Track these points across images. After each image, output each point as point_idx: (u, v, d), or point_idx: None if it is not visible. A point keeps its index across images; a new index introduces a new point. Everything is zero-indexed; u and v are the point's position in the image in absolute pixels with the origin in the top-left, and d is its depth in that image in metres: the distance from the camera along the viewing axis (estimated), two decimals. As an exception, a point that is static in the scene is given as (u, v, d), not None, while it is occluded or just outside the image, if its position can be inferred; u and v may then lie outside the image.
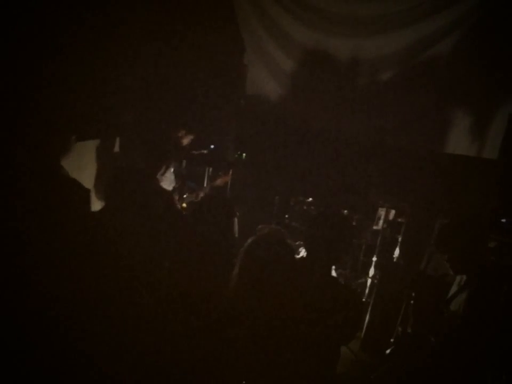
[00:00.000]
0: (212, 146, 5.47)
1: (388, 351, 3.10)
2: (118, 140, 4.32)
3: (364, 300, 4.74)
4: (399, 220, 4.86)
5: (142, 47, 4.84)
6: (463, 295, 2.89)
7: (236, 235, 5.41)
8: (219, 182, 5.12)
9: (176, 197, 4.42)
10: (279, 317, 2.39)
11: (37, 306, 2.27)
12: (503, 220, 4.36)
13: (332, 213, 2.79)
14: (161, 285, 2.49)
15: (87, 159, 3.68)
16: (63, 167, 2.99)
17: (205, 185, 5.38)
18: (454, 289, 3.01)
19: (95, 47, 4.10)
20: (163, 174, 4.22)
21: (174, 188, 4.56)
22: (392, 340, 3.21)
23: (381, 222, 4.95)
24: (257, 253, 2.47)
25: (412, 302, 3.40)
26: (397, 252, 4.78)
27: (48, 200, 2.59)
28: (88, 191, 2.98)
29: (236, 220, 5.39)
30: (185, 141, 4.71)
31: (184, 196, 4.55)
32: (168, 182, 4.58)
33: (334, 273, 4.03)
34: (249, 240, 2.54)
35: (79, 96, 3.87)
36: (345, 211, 5.12)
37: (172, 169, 4.71)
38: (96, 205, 2.83)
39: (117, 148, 4.26)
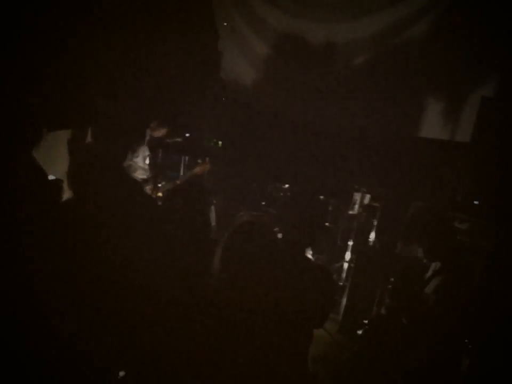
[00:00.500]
0: (187, 135, 5.42)
1: (359, 332, 3.14)
2: (89, 129, 4.26)
3: (341, 283, 4.79)
4: (375, 204, 4.90)
5: (112, 34, 4.75)
6: (439, 278, 2.95)
7: (214, 223, 5.42)
8: (197, 170, 5.01)
9: (151, 186, 4.38)
10: (259, 302, 2.41)
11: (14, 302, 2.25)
12: (476, 202, 4.43)
13: (305, 198, 2.81)
14: (136, 276, 2.48)
15: (60, 150, 3.63)
16: (35, 158, 2.93)
17: (181, 173, 5.35)
18: (430, 272, 3.07)
19: (64, 36, 4.02)
20: (129, 161, 4.17)
21: (148, 177, 4.52)
22: (366, 321, 3.25)
23: (356, 206, 4.99)
24: (241, 240, 2.46)
25: (387, 285, 3.46)
26: (372, 236, 4.83)
27: (19, 192, 2.54)
28: (61, 182, 2.93)
29: (213, 207, 5.40)
30: (158, 133, 4.67)
31: (160, 185, 4.51)
32: (142, 170, 4.55)
33: (311, 258, 4.08)
34: (231, 228, 2.54)
35: (49, 86, 3.80)
36: (321, 196, 5.15)
37: (147, 159, 4.68)
38: (68, 195, 2.79)
39: (89, 138, 4.21)
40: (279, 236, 4.41)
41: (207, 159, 5.12)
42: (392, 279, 3.70)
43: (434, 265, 3.07)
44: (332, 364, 3.75)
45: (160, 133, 4.72)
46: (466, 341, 2.84)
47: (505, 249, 3.82)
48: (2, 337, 2.17)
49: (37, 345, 2.22)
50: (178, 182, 4.75)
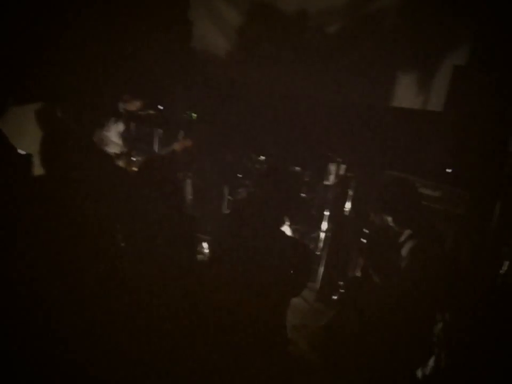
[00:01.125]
0: (160, 107, 5.33)
1: (335, 297, 3.20)
2: (59, 103, 4.15)
3: (317, 253, 4.85)
4: (349, 174, 4.93)
5: (81, 7, 4.60)
6: (410, 243, 3.00)
7: (190, 196, 5.39)
8: (176, 146, 4.75)
9: (125, 161, 4.32)
10: (229, 273, 2.43)
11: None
12: (449, 170, 4.50)
13: (277, 169, 2.80)
14: (113, 252, 2.46)
15: (28, 124, 3.52)
16: (4, 132, 2.85)
17: (155, 147, 5.28)
18: (402, 239, 3.11)
19: (34, 12, 3.88)
20: (100, 135, 4.09)
21: (122, 151, 4.44)
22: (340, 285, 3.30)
23: (331, 177, 5.01)
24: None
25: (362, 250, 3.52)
26: (348, 206, 4.87)
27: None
28: (30, 156, 2.86)
29: (189, 181, 5.36)
30: (132, 106, 4.57)
31: (134, 159, 4.44)
32: (115, 145, 4.47)
33: (288, 229, 4.11)
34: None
35: (16, 61, 3.67)
36: (297, 167, 5.16)
37: (119, 132, 4.59)
38: (39, 170, 2.73)
39: (59, 112, 4.10)
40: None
41: (182, 132, 5.05)
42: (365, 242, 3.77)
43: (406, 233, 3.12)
44: (311, 332, 3.81)
45: (134, 106, 4.63)
46: (440, 306, 2.91)
47: (477, 216, 3.91)
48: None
49: (31, 344, 2.20)
50: (153, 155, 4.69)
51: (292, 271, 2.52)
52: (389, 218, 3.06)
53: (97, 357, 2.23)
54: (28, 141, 3.37)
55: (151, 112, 5.01)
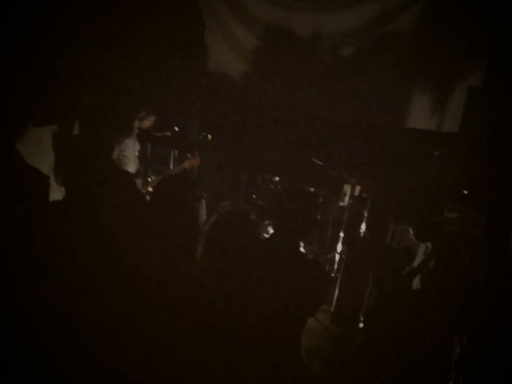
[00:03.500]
0: (176, 128, 5.39)
1: (360, 325, 3.15)
2: (76, 123, 4.23)
3: (332, 275, 4.81)
4: (364, 195, 4.92)
5: (97, 27, 4.70)
6: (430, 264, 2.96)
7: (205, 216, 5.41)
8: (186, 164, 4.95)
9: (141, 180, 4.36)
10: (246, 293, 2.41)
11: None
12: (465, 192, 4.46)
13: (297, 190, 2.80)
14: (126, 270, 2.46)
15: (46, 145, 3.59)
16: (20, 153, 2.90)
17: (171, 167, 5.32)
18: (419, 258, 3.08)
19: (48, 32, 3.97)
20: (119, 156, 4.14)
21: (138, 171, 4.49)
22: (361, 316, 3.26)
23: (346, 198, 5.00)
24: (221, 230, 2.47)
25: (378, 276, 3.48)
26: (363, 227, 4.85)
27: (5, 188, 2.51)
28: (47, 177, 2.90)
29: (203, 201, 5.38)
30: (147, 122, 4.63)
31: (149, 180, 4.48)
32: (132, 165, 4.51)
33: (302, 250, 4.09)
34: (212, 219, 2.54)
35: (34, 82, 3.75)
36: (312, 188, 5.15)
37: (136, 152, 4.64)
38: (56, 191, 2.76)
39: (76, 131, 4.18)
40: (271, 229, 4.44)
41: (197, 153, 5.10)
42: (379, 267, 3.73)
43: (425, 250, 3.08)
44: (325, 355, 3.76)
45: (149, 122, 4.68)
46: (456, 329, 2.86)
47: (494, 238, 3.85)
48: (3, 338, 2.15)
49: (35, 343, 2.21)
50: (167, 175, 4.72)
51: (307, 292, 2.49)
52: (410, 231, 3.05)
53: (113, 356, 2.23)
54: (45, 161, 3.44)
55: (167, 133, 5.08)
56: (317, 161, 5.12)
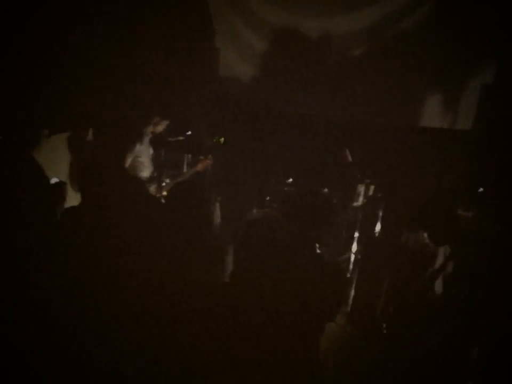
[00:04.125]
0: (189, 132, 5.42)
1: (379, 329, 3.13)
2: (91, 130, 4.29)
3: (348, 275, 4.79)
4: (379, 195, 4.90)
5: (109, 34, 4.76)
6: (450, 265, 2.94)
7: (219, 220, 5.42)
8: (199, 167, 5.04)
9: (156, 185, 4.39)
10: (274, 300, 2.41)
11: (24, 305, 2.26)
12: (481, 190, 4.42)
13: (310, 192, 2.80)
14: (142, 276, 2.48)
15: (61, 152, 3.64)
16: (37, 160, 2.95)
17: (184, 171, 5.35)
18: (440, 260, 3.05)
19: (61, 40, 4.03)
20: (134, 162, 4.18)
21: (152, 176, 4.52)
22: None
23: (361, 198, 4.98)
24: (255, 237, 2.46)
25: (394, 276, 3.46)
26: (378, 227, 4.82)
27: (22, 194, 2.55)
28: (64, 184, 2.94)
29: (217, 204, 5.40)
30: (160, 127, 4.66)
31: (163, 184, 4.51)
32: (147, 170, 4.55)
33: (317, 251, 4.08)
34: (244, 225, 2.53)
35: (49, 89, 3.80)
36: (325, 189, 5.14)
37: (151, 158, 4.68)
38: (73, 197, 2.80)
39: (90, 137, 4.24)
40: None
41: (210, 155, 5.13)
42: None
43: (444, 251, 3.06)
44: (341, 356, 3.75)
45: (162, 127, 4.71)
46: (474, 331, 2.83)
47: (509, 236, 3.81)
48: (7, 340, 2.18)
49: (37, 345, 2.23)
50: (181, 179, 4.75)
51: (325, 295, 2.49)
52: (425, 235, 3.02)
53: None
54: (61, 169, 3.49)
55: (180, 137, 5.11)
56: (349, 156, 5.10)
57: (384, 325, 3.25)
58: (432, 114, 5.31)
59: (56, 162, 3.37)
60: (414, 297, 3.00)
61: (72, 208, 2.73)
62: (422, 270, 3.15)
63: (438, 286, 2.91)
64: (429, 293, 2.96)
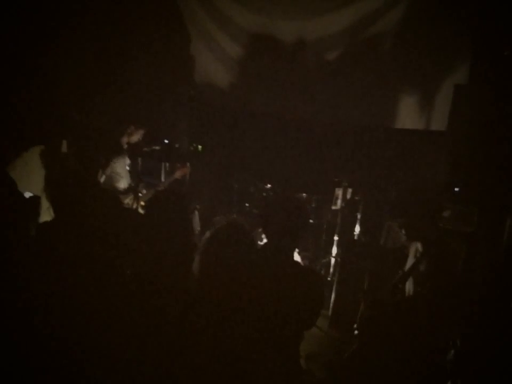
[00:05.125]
0: (166, 141, 5.40)
1: (355, 332, 3.15)
2: (64, 142, 4.23)
3: (328, 278, 4.81)
4: (356, 198, 4.93)
5: (84, 40, 4.71)
6: (421, 265, 2.97)
7: (198, 228, 5.40)
8: (177, 174, 5.01)
9: (133, 196, 4.35)
10: (246, 308, 2.40)
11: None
12: (456, 189, 4.47)
13: (285, 197, 2.80)
14: (120, 289, 2.46)
15: (34, 164, 3.58)
16: (9, 175, 2.90)
17: (162, 180, 5.32)
18: (410, 261, 3.08)
19: (35, 50, 3.98)
20: (110, 173, 4.14)
21: (129, 186, 4.48)
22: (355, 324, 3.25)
23: (339, 201, 5.01)
24: (216, 246, 2.47)
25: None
26: (357, 229, 4.86)
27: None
28: (37, 198, 2.90)
29: (196, 212, 5.38)
30: (136, 137, 4.63)
31: (140, 195, 4.47)
32: (124, 181, 4.51)
33: (297, 256, 4.09)
34: (207, 234, 2.53)
35: (22, 101, 3.76)
36: (304, 194, 5.17)
37: (127, 168, 4.64)
38: (47, 211, 2.76)
39: (65, 151, 4.17)
40: (263, 238, 4.43)
41: (187, 163, 5.11)
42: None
43: (415, 252, 3.09)
44: (325, 359, 3.76)
45: (137, 137, 4.68)
46: (453, 329, 2.86)
47: (486, 234, 3.87)
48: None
49: (33, 347, 2.21)
50: (158, 189, 4.72)
51: (305, 302, 2.49)
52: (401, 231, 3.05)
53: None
54: (34, 183, 3.43)
55: (156, 147, 5.09)
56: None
57: (356, 326, 3.25)
58: (407, 115, 5.36)
59: (29, 177, 3.31)
60: (387, 297, 3.02)
61: (46, 222, 2.70)
62: (400, 270, 3.18)
63: (414, 286, 2.94)
64: (400, 293, 2.99)
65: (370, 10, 5.26)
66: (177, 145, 5.75)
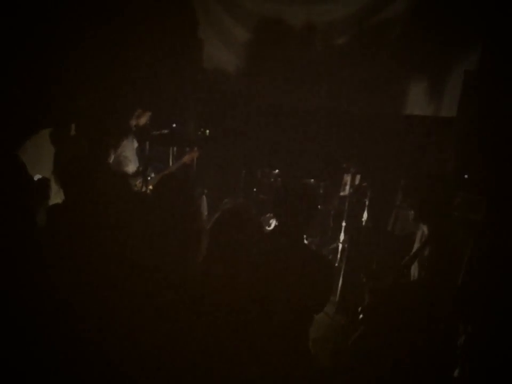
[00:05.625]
0: (174, 125, 5.39)
1: (360, 317, 3.16)
2: (74, 126, 4.24)
3: (336, 264, 4.82)
4: (364, 184, 4.92)
5: (91, 27, 4.69)
6: (427, 250, 2.96)
7: (206, 212, 5.42)
8: (186, 159, 5.03)
9: (141, 180, 4.36)
10: (253, 292, 2.42)
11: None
12: (466, 176, 4.46)
13: (295, 182, 2.81)
14: (129, 271, 2.47)
15: (44, 148, 3.60)
16: (20, 157, 2.91)
17: (171, 165, 5.33)
18: (416, 247, 3.08)
19: (43, 37, 3.98)
20: (119, 157, 4.15)
21: (137, 170, 4.49)
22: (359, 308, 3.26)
23: (347, 187, 5.00)
24: (223, 228, 2.48)
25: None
26: (365, 216, 4.85)
27: (6, 193, 2.53)
28: (47, 180, 2.92)
29: (204, 197, 5.38)
30: (143, 119, 4.63)
31: (149, 178, 4.48)
32: (132, 165, 4.52)
33: (305, 241, 4.10)
34: (215, 217, 2.55)
35: (31, 87, 3.76)
36: (312, 179, 5.16)
37: (135, 152, 4.65)
38: (57, 194, 2.78)
39: (73, 133, 4.19)
40: (273, 222, 4.44)
41: (195, 148, 5.11)
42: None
43: (420, 237, 3.09)
44: (331, 345, 3.78)
45: (145, 119, 4.68)
46: (460, 316, 2.86)
47: (495, 223, 3.85)
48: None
49: (35, 344, 2.23)
50: (166, 172, 4.73)
51: (314, 286, 2.50)
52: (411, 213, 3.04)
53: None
54: (44, 165, 3.45)
55: (165, 131, 5.09)
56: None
57: (359, 311, 3.26)
58: (417, 102, 5.33)
59: (39, 159, 3.33)
60: (393, 287, 3.02)
61: (57, 205, 2.71)
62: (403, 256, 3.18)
63: (419, 272, 2.94)
64: (404, 279, 2.99)
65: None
66: (184, 130, 5.75)
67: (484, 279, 2.85)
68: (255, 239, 2.51)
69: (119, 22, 5.05)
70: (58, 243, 2.43)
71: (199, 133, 6.00)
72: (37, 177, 2.96)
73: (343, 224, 4.91)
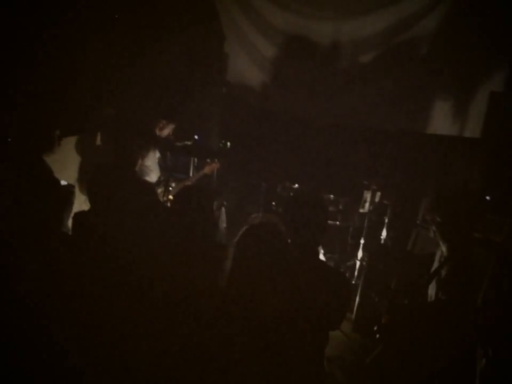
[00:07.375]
0: (196, 137, 5.45)
1: (377, 336, 3.13)
2: (99, 133, 4.30)
3: (353, 282, 4.79)
4: (385, 202, 4.89)
5: (120, 38, 4.78)
6: (445, 270, 2.93)
7: (224, 224, 5.43)
8: (206, 170, 5.10)
9: (162, 189, 4.40)
10: (274, 307, 2.40)
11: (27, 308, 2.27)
12: (487, 197, 4.40)
13: (304, 196, 2.78)
14: (147, 280, 2.48)
15: (70, 155, 3.66)
16: (47, 164, 2.97)
17: (191, 175, 5.37)
18: (435, 266, 3.05)
19: (72, 42, 4.06)
20: (141, 166, 4.20)
21: (159, 180, 4.54)
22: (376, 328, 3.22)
23: (367, 204, 4.98)
24: (251, 243, 2.47)
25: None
26: (384, 234, 4.82)
27: (31, 197, 2.57)
28: (72, 187, 2.96)
29: (223, 209, 5.40)
30: (167, 131, 4.69)
31: (170, 188, 4.52)
32: (154, 174, 4.56)
33: (323, 258, 4.08)
34: (242, 231, 2.54)
35: (61, 92, 3.84)
36: (331, 195, 5.15)
37: (157, 162, 4.70)
38: (82, 201, 2.82)
39: (98, 142, 4.25)
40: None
41: (216, 159, 5.16)
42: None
43: (439, 256, 3.06)
44: (347, 363, 3.74)
45: (168, 131, 4.74)
46: (480, 338, 2.81)
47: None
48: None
49: (37, 347, 2.24)
50: (188, 183, 4.77)
51: (332, 305, 2.48)
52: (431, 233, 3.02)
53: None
54: (70, 172, 3.51)
55: (187, 142, 5.14)
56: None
57: (376, 329, 3.21)
58: (441, 121, 5.29)
59: (64, 166, 3.39)
60: (411, 306, 2.98)
61: (82, 212, 2.75)
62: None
63: (438, 291, 2.91)
64: (422, 297, 2.95)
65: (408, 13, 5.20)
66: (206, 141, 5.80)
67: (505, 302, 2.81)
68: (279, 255, 2.50)
69: (148, 35, 5.14)
70: (83, 249, 2.45)
71: (221, 145, 6.04)
72: (62, 183, 3.01)
73: (362, 241, 4.88)
